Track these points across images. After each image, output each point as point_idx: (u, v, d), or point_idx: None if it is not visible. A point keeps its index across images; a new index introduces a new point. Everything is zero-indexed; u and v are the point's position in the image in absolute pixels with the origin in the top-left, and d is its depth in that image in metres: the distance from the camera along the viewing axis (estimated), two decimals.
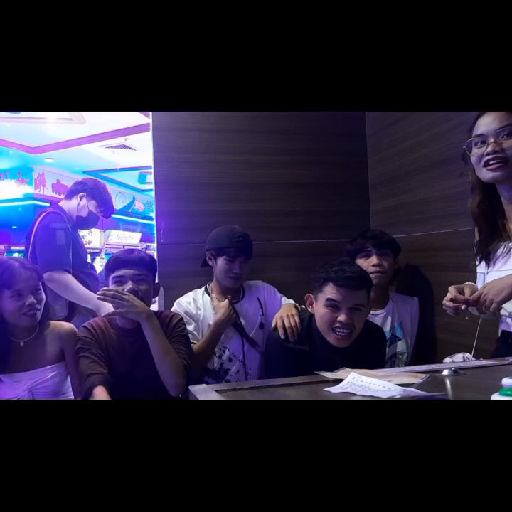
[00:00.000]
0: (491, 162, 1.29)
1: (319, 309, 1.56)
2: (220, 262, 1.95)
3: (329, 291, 1.53)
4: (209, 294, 2.01)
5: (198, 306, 1.98)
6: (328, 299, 1.52)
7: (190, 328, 1.90)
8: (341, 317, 1.50)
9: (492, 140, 1.28)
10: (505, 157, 1.27)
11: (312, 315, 1.64)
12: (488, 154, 1.29)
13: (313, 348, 1.61)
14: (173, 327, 1.71)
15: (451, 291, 1.32)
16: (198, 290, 2.05)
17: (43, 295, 1.68)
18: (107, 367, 1.61)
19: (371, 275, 2.00)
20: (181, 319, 1.78)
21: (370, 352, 1.61)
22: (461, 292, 1.32)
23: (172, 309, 1.97)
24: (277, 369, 1.64)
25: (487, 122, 1.30)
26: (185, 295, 2.03)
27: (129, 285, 1.64)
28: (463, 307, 1.29)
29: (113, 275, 1.67)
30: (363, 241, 2.03)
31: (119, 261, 1.69)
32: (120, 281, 1.65)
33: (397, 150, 2.27)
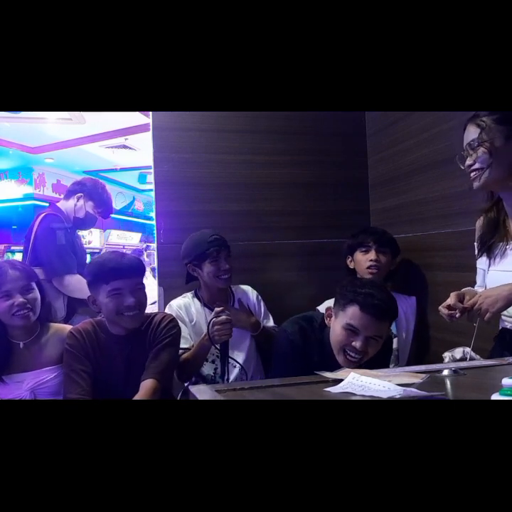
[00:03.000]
0: (471, 174, 1.37)
1: (336, 328, 1.50)
2: (206, 267, 1.91)
3: (352, 315, 1.45)
4: (199, 300, 1.98)
5: (190, 312, 1.95)
6: (349, 324, 1.46)
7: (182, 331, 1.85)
8: (356, 343, 1.45)
9: (468, 153, 1.36)
10: (478, 168, 1.34)
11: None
12: (467, 167, 1.37)
13: (321, 348, 1.57)
14: (160, 330, 1.65)
15: (452, 298, 1.31)
16: (188, 294, 2.01)
17: (36, 294, 1.66)
18: (91, 377, 1.58)
19: (367, 270, 2.02)
20: (172, 320, 1.70)
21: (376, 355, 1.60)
22: (462, 299, 1.31)
23: (166, 311, 1.95)
24: (282, 365, 1.61)
25: (464, 137, 1.37)
26: (176, 299, 2.00)
27: (129, 299, 1.56)
28: (457, 315, 1.29)
29: (109, 288, 1.56)
30: (365, 236, 2.07)
31: (114, 270, 1.57)
32: (118, 294, 1.56)
33: (397, 150, 2.27)
